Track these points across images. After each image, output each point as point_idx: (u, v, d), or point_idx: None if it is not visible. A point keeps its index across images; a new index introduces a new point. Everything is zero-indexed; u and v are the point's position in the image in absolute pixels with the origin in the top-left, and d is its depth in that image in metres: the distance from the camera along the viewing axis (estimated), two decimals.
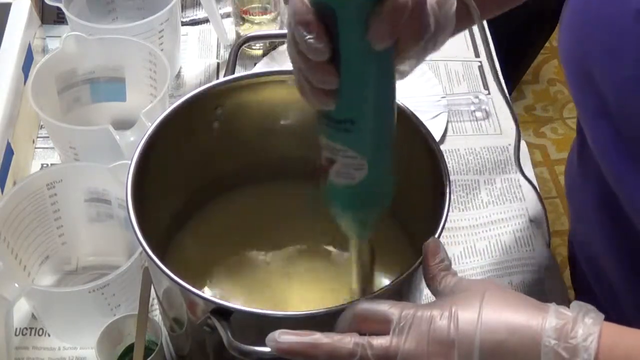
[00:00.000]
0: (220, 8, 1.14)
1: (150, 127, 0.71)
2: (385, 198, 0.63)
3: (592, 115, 0.67)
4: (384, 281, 0.74)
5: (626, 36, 0.61)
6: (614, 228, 0.72)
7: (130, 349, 0.77)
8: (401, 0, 0.53)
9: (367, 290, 0.67)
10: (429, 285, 0.60)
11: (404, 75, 0.63)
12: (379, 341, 0.54)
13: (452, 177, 0.78)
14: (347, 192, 0.61)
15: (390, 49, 0.56)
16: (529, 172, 0.99)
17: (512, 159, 1.00)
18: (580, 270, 0.86)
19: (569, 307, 0.54)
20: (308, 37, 0.53)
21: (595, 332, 0.52)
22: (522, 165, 0.99)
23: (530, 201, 0.96)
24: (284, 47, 1.10)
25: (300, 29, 0.53)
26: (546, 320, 0.52)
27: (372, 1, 0.53)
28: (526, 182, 0.98)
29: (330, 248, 0.79)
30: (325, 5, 0.53)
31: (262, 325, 0.60)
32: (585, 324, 0.52)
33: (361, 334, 0.55)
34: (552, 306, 0.54)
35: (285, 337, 0.55)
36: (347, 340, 0.54)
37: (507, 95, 0.83)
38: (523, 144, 1.02)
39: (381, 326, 0.55)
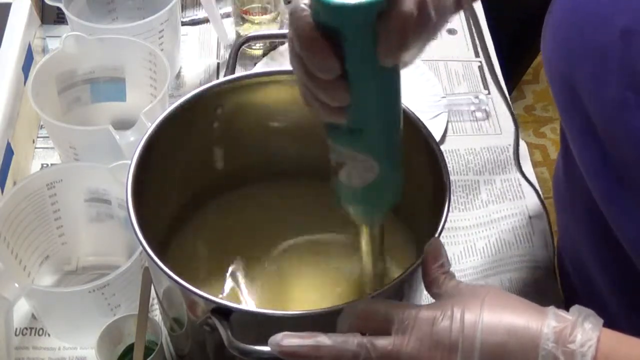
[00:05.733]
0: (220, 8, 1.14)
1: (150, 127, 0.71)
2: (395, 193, 0.63)
3: (578, 134, 0.67)
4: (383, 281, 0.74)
5: (611, 56, 0.60)
6: (601, 239, 0.71)
7: (130, 349, 0.77)
8: (406, 10, 0.51)
9: (380, 275, 0.68)
10: (427, 288, 0.60)
11: (406, 65, 0.62)
12: (382, 342, 0.54)
13: (452, 177, 0.78)
14: (358, 192, 0.61)
15: None
16: (529, 171, 0.99)
17: (512, 159, 1.00)
18: (568, 277, 0.86)
19: (565, 308, 0.54)
20: (317, 57, 0.52)
21: (593, 339, 0.51)
22: (521, 165, 0.99)
23: (530, 200, 0.96)
24: (284, 47, 1.10)
25: (307, 49, 0.52)
26: (545, 324, 0.52)
27: (376, 20, 0.51)
28: (526, 182, 0.98)
29: (332, 248, 0.79)
30: (332, 26, 0.52)
31: (262, 325, 0.60)
32: (584, 329, 0.52)
33: (362, 333, 0.55)
34: (552, 309, 0.54)
35: (288, 340, 0.55)
36: (350, 342, 0.54)
37: (506, 94, 0.83)
38: (523, 144, 1.02)
39: (382, 326, 0.55)
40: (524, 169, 0.98)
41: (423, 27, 0.55)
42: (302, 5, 0.52)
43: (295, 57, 0.54)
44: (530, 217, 0.94)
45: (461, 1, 0.64)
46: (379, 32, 0.51)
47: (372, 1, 0.51)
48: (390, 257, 0.76)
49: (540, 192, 0.97)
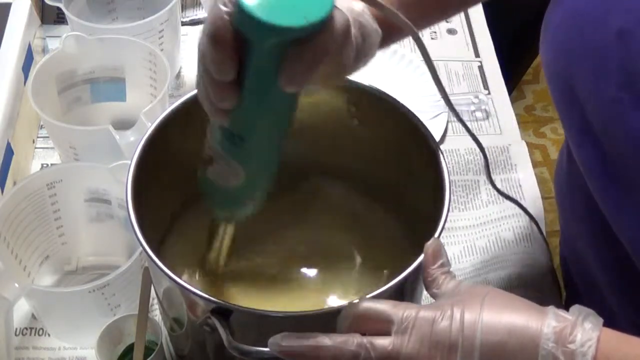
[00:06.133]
0: None
1: (150, 127, 0.71)
2: (248, 208, 0.66)
3: (577, 133, 0.67)
4: (383, 281, 0.74)
5: (608, 56, 0.60)
6: (601, 238, 0.71)
7: (130, 349, 0.77)
8: (319, 47, 0.52)
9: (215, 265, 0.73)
10: (427, 288, 0.60)
11: (310, 93, 0.64)
12: (381, 342, 0.54)
13: (452, 177, 0.78)
14: (217, 189, 0.63)
15: None
16: (529, 172, 0.99)
17: (512, 159, 1.00)
18: (570, 277, 0.86)
19: (566, 307, 0.54)
20: (216, 55, 0.52)
21: (593, 338, 0.51)
22: (517, 167, 0.99)
23: (530, 200, 0.96)
24: None
25: (212, 46, 0.52)
26: (545, 323, 0.52)
27: (288, 44, 0.51)
28: (526, 182, 0.98)
29: (331, 248, 0.79)
30: (244, 34, 0.52)
31: (262, 325, 0.60)
32: (584, 329, 0.52)
33: (362, 333, 0.55)
34: (552, 309, 0.54)
35: (288, 340, 0.55)
36: (350, 342, 0.54)
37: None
38: (523, 144, 1.02)
39: (382, 326, 0.55)
40: (524, 170, 0.98)
41: (339, 66, 0.57)
42: (227, 3, 0.52)
43: (200, 49, 0.54)
44: (530, 215, 0.93)
45: (400, 32, 0.65)
46: (288, 58, 0.52)
47: (292, 28, 0.50)
48: (390, 258, 0.76)
49: (540, 193, 0.96)
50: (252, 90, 0.54)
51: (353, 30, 0.60)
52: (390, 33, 0.65)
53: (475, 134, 0.72)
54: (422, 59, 0.66)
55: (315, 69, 0.53)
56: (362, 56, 0.62)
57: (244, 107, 0.55)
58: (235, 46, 0.52)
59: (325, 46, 0.52)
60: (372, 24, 0.62)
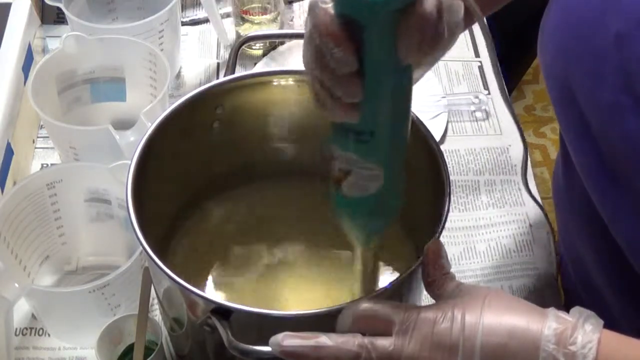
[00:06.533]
0: (220, 8, 1.14)
1: (150, 127, 0.71)
2: (395, 208, 0.62)
3: (575, 136, 0.67)
4: (383, 281, 0.74)
5: (606, 60, 0.60)
6: (600, 239, 0.71)
7: (130, 349, 0.77)
8: (428, 9, 0.52)
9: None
10: (427, 289, 0.60)
11: (415, 82, 0.62)
12: (382, 343, 0.54)
13: (452, 178, 0.78)
14: (360, 202, 0.60)
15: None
16: (531, 183, 0.99)
17: (512, 159, 1.00)
18: (568, 278, 0.86)
19: (565, 309, 0.54)
20: (336, 49, 0.51)
21: (594, 340, 0.52)
22: (517, 166, 0.98)
23: (530, 206, 0.96)
24: (284, 47, 1.10)
25: (327, 41, 0.51)
26: (546, 325, 0.52)
27: (399, 14, 0.51)
28: (529, 196, 0.97)
29: (331, 248, 0.79)
30: (352, 18, 0.52)
31: (262, 325, 0.60)
32: (584, 331, 0.52)
33: (362, 334, 0.55)
34: (552, 311, 0.54)
35: (289, 340, 0.55)
36: (351, 342, 0.54)
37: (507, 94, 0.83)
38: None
39: (383, 326, 0.55)
40: (529, 184, 0.98)
41: (438, 36, 0.55)
42: (325, 0, 0.52)
43: (310, 51, 0.53)
44: (530, 226, 0.93)
45: (470, 19, 0.64)
46: (399, 28, 0.51)
47: None
48: (390, 258, 0.76)
49: (540, 202, 0.96)
50: (372, 74, 0.54)
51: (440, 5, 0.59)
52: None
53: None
54: None
55: (426, 36, 0.52)
56: (451, 33, 0.61)
57: (368, 96, 0.54)
58: (350, 37, 0.52)
59: (427, 11, 0.52)
60: None
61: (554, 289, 0.88)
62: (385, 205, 0.61)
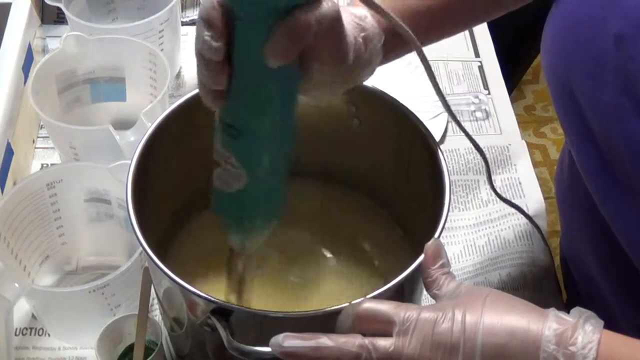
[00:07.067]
0: None
1: (150, 127, 0.71)
2: (264, 218, 0.63)
3: (577, 137, 0.67)
4: (383, 281, 0.74)
5: (607, 61, 0.60)
6: (602, 240, 0.71)
7: (130, 349, 0.77)
8: (302, 22, 0.53)
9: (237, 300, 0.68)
10: (427, 289, 0.60)
11: (317, 100, 0.63)
12: (383, 343, 0.54)
13: (452, 177, 0.78)
14: (224, 196, 0.61)
15: (291, 68, 0.56)
16: (529, 172, 0.99)
17: (512, 159, 1.00)
18: (571, 278, 0.86)
19: (564, 309, 0.54)
20: (206, 33, 0.53)
21: (594, 341, 0.52)
22: (517, 167, 0.98)
23: (530, 198, 0.96)
24: None
25: (201, 24, 0.54)
26: (546, 326, 0.52)
27: (274, 16, 0.52)
28: (526, 182, 0.98)
29: (331, 248, 0.79)
30: (230, 9, 0.53)
31: (262, 325, 0.60)
32: (585, 331, 0.52)
33: (362, 334, 0.55)
34: (553, 311, 0.54)
35: (289, 341, 0.55)
36: (351, 343, 0.54)
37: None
38: (523, 143, 1.02)
39: (383, 327, 0.55)
40: (524, 168, 0.98)
41: (338, 57, 0.57)
42: None
43: (195, 36, 0.55)
44: (530, 214, 0.93)
45: (388, 54, 0.65)
46: (271, 30, 0.53)
47: None
48: (390, 258, 0.76)
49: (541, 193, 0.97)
50: (238, 68, 0.55)
51: (354, 32, 0.60)
52: (398, 44, 0.65)
53: (475, 134, 0.72)
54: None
55: (298, 44, 0.54)
56: (365, 62, 0.62)
57: (235, 89, 0.55)
58: (226, 27, 0.53)
59: (307, 22, 0.53)
60: (374, 28, 0.62)
61: (552, 279, 0.88)
62: (252, 210, 0.62)
